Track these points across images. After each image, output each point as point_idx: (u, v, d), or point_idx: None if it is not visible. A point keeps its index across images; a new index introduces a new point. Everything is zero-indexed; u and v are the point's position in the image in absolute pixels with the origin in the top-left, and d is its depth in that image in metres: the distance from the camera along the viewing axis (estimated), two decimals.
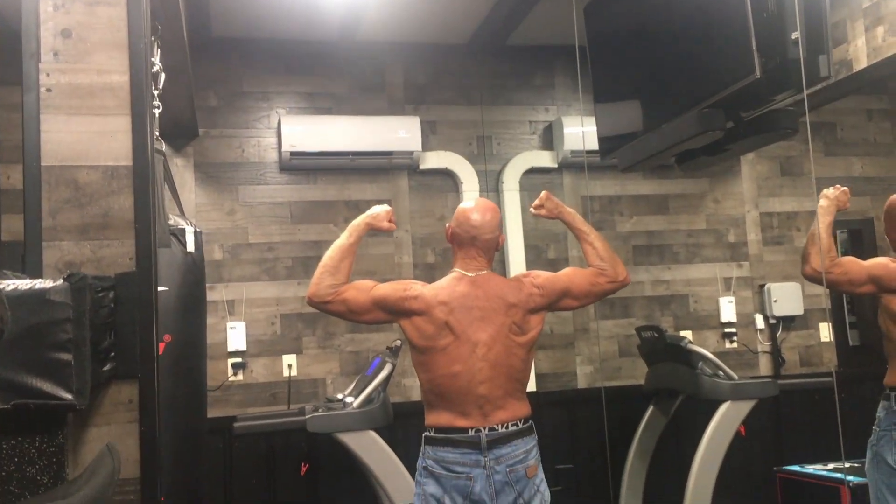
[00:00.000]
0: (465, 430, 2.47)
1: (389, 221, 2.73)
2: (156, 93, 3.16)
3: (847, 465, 3.46)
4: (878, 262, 2.90)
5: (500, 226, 2.67)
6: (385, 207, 2.75)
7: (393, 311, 2.56)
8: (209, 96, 4.71)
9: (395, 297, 2.55)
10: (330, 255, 2.63)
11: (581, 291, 2.67)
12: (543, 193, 2.86)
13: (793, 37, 2.54)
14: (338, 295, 2.56)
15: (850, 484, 3.26)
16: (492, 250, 2.65)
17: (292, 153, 4.61)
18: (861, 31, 3.79)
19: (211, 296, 4.49)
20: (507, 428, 2.49)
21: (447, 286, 2.58)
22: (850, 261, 2.91)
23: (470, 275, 2.59)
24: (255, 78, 4.80)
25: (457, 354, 2.50)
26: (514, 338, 2.55)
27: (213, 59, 4.70)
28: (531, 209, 2.88)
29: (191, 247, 3.25)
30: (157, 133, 3.24)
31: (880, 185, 5.47)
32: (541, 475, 2.56)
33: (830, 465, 3.65)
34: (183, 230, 3.27)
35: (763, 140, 3.16)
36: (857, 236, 5.38)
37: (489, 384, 2.50)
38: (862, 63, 3.80)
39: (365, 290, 2.58)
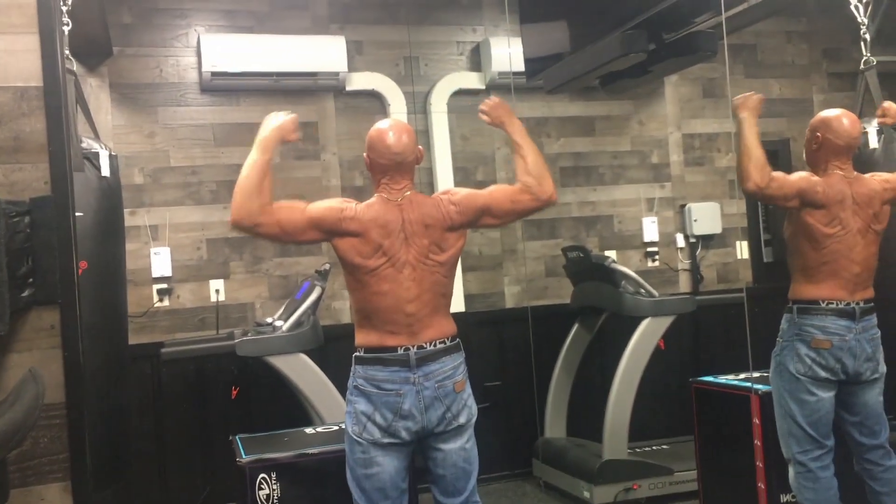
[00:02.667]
0: (394, 349, 2.52)
1: (294, 132, 2.63)
2: (64, 9, 3.01)
3: (756, 374, 3.65)
4: (802, 176, 3.00)
5: (416, 142, 2.66)
6: (290, 115, 2.61)
7: (329, 232, 2.53)
8: (122, 12, 4.50)
9: (333, 217, 2.52)
10: (247, 175, 2.48)
11: (501, 209, 2.68)
12: (495, 98, 2.79)
13: None
14: (269, 216, 2.46)
15: (759, 392, 3.45)
16: (413, 170, 2.66)
17: (213, 73, 4.47)
18: None
19: (132, 221, 4.39)
20: (435, 346, 2.55)
21: (379, 209, 2.57)
22: (781, 175, 2.99)
23: (396, 200, 2.59)
24: None
25: (386, 275, 2.53)
26: (434, 257, 2.58)
27: None
28: (480, 110, 2.82)
29: (106, 171, 3.16)
30: (68, 52, 3.10)
31: (797, 106, 5.64)
32: (468, 390, 2.64)
33: (742, 375, 3.84)
34: (97, 154, 3.17)
35: (684, 62, 3.21)
36: (773, 156, 5.53)
37: (416, 303, 2.54)
38: None
39: (298, 209, 2.52)
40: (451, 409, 2.56)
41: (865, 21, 3.63)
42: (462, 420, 2.58)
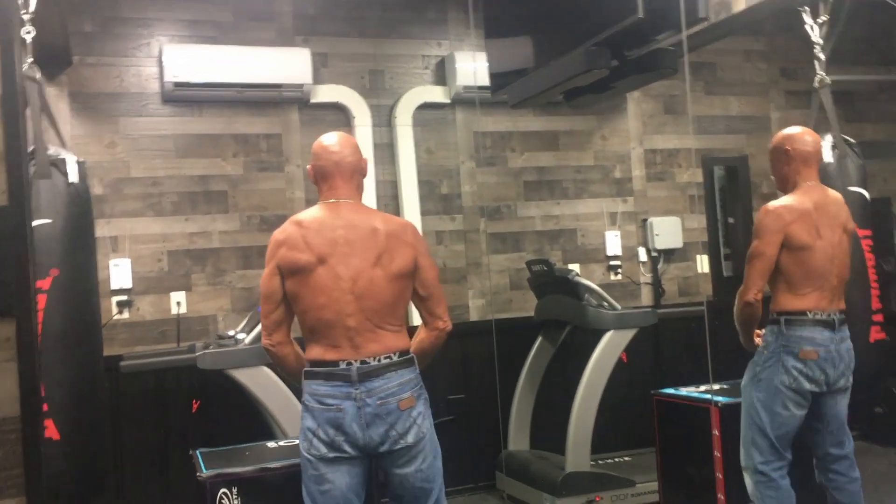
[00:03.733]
0: (336, 363, 2.46)
1: None
2: (27, 16, 2.97)
3: (716, 386, 3.70)
4: (755, 254, 3.04)
5: (358, 151, 2.66)
6: None
7: (290, 273, 2.51)
8: (83, 21, 4.45)
9: (269, 274, 2.55)
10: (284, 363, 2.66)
11: (419, 294, 2.64)
12: None
13: None
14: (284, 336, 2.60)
15: (719, 404, 3.50)
16: (357, 176, 2.62)
17: (176, 84, 4.43)
18: None
19: None
20: (379, 361, 2.47)
21: (317, 216, 2.55)
22: (753, 275, 3.04)
23: (337, 208, 2.55)
24: (133, 3, 4.55)
25: (323, 286, 2.46)
26: (379, 270, 2.50)
27: None
28: None
29: (74, 177, 3.12)
30: (32, 59, 3.06)
31: (756, 123, 5.75)
32: (420, 408, 2.52)
33: (702, 387, 3.89)
34: (64, 160, 3.13)
35: (646, 78, 3.25)
36: (733, 172, 5.66)
37: (357, 316, 2.47)
38: (741, 4, 3.93)
39: (274, 302, 2.57)
40: (396, 427, 2.47)
41: (820, 41, 3.73)
42: (410, 440, 2.49)
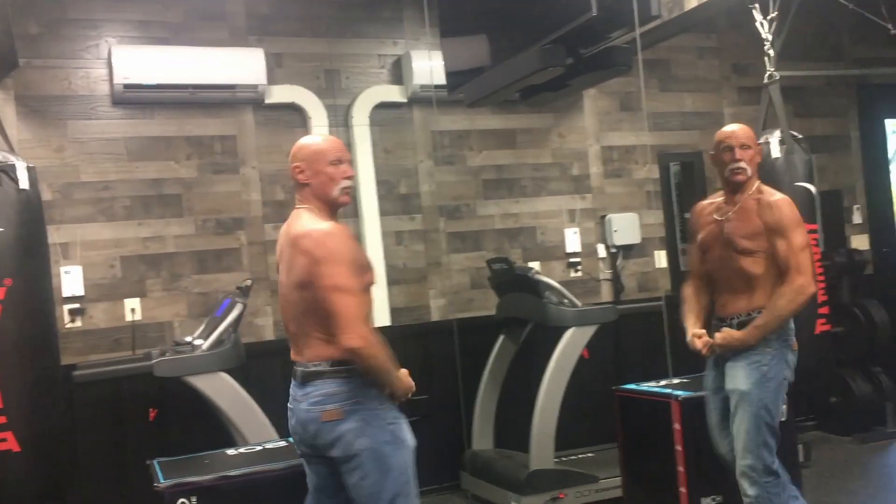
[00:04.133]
0: (293, 363, 2.57)
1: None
2: None
3: (676, 381, 3.74)
4: (807, 245, 3.06)
5: (293, 156, 2.62)
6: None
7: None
8: (29, 23, 4.34)
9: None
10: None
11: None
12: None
13: None
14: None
15: (679, 398, 3.53)
16: (298, 183, 2.59)
17: (126, 86, 4.34)
18: None
19: None
20: (314, 366, 2.48)
21: None
22: (811, 266, 3.07)
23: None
24: (80, 3, 4.45)
25: (280, 291, 2.64)
26: (287, 280, 2.56)
27: None
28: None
29: (24, 183, 3.05)
30: None
31: (709, 119, 5.82)
32: (352, 425, 2.43)
33: (663, 382, 3.92)
34: (13, 166, 3.05)
35: (601, 76, 3.27)
36: (688, 168, 5.72)
37: (292, 323, 2.58)
38: (693, 2, 3.98)
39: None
40: (319, 437, 2.46)
41: (770, 38, 3.79)
42: (336, 453, 2.45)
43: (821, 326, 3.52)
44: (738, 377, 3.04)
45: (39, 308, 3.11)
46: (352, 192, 2.63)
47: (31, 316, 3.01)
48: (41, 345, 3.07)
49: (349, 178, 2.59)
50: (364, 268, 2.53)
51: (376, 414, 2.48)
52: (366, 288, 2.51)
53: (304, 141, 2.66)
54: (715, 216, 3.18)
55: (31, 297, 3.02)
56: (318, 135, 2.70)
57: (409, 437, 2.54)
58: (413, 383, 2.59)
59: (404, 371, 2.58)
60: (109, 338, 4.40)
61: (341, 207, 2.62)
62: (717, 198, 3.26)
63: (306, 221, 2.51)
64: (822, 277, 3.62)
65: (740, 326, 3.05)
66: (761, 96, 3.88)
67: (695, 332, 3.16)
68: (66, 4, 4.42)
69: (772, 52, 3.79)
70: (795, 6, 4.20)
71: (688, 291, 3.27)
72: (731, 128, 3.21)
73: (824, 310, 3.57)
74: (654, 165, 5.67)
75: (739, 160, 3.09)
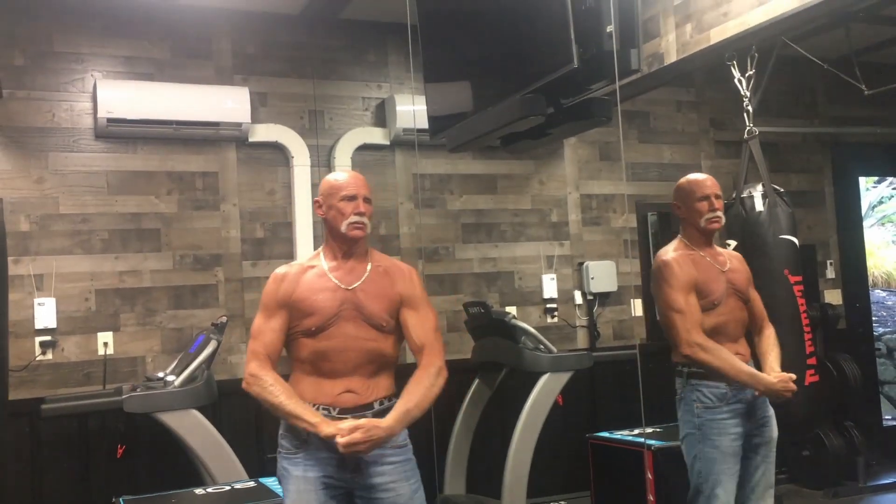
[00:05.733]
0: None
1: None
2: None
3: (649, 430, 3.75)
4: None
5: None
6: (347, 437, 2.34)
7: None
8: (14, 55, 4.35)
9: None
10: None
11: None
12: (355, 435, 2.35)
13: (608, 30, 2.69)
14: None
15: (652, 447, 3.54)
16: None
17: (109, 120, 4.35)
18: (672, 27, 4.05)
19: (16, 270, 4.19)
20: None
21: None
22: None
23: None
24: (67, 37, 4.47)
25: None
26: None
27: (18, 15, 4.35)
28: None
29: None
30: None
31: (687, 171, 5.74)
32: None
33: (636, 431, 3.93)
34: None
35: (581, 126, 3.32)
36: (665, 219, 5.79)
37: None
38: (672, 57, 4.07)
39: None
40: None
41: (748, 94, 3.87)
42: None
43: (810, 377, 3.54)
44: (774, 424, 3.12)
45: None
46: (368, 229, 2.57)
47: None
48: None
49: (360, 213, 2.54)
50: (303, 313, 2.50)
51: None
52: (307, 332, 2.49)
53: (328, 176, 2.69)
54: (715, 266, 3.16)
55: None
56: (344, 171, 2.68)
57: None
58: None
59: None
60: (80, 371, 4.34)
61: (352, 243, 2.57)
62: (681, 248, 3.23)
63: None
64: (807, 329, 3.64)
65: None
66: (742, 151, 3.95)
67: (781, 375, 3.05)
68: (52, 38, 4.44)
69: (751, 108, 3.87)
70: (772, 64, 4.31)
71: (717, 347, 3.02)
72: (701, 177, 3.30)
73: (812, 360, 3.59)
74: (631, 214, 5.74)
75: (717, 210, 3.16)
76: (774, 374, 3.03)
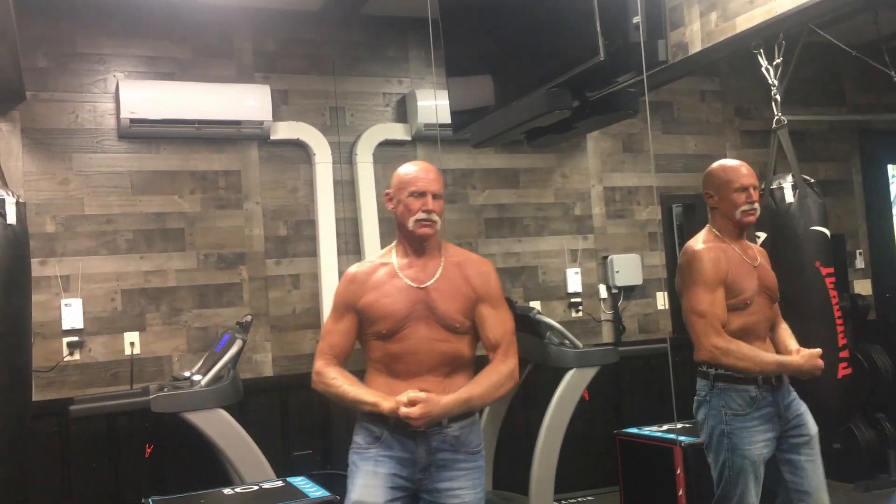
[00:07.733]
0: None
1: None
2: None
3: (679, 425, 3.70)
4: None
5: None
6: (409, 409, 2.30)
7: None
8: (38, 57, 4.37)
9: None
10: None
11: None
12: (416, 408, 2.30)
13: (634, 21, 2.64)
14: None
15: (682, 443, 3.49)
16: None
17: (132, 120, 4.36)
18: (696, 16, 3.99)
19: (42, 271, 4.21)
20: None
21: None
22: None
23: None
24: (89, 38, 4.49)
25: None
26: None
27: (41, 17, 4.36)
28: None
29: (11, 218, 3.03)
30: None
31: (711, 161, 5.75)
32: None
33: (665, 427, 3.88)
34: (3, 200, 3.04)
35: (607, 119, 3.28)
36: (690, 210, 5.73)
37: None
38: (697, 46, 4.00)
39: None
40: None
41: (776, 83, 3.80)
42: None
43: (843, 370, 3.47)
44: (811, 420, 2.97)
45: (15, 345, 3.05)
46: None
47: (4, 353, 2.96)
48: (13, 383, 3.01)
49: (428, 210, 2.42)
50: (373, 317, 2.47)
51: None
52: (378, 335, 2.45)
53: (400, 168, 2.54)
54: (746, 261, 3.00)
55: (6, 333, 2.98)
56: (418, 162, 2.54)
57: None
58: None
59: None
60: (107, 371, 4.36)
61: (421, 240, 2.46)
62: (711, 240, 3.08)
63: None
64: (840, 321, 3.56)
65: None
66: (770, 140, 3.88)
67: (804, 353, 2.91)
68: (75, 39, 4.46)
69: (779, 97, 3.80)
70: (798, 52, 4.23)
71: (737, 346, 2.87)
72: (735, 163, 3.08)
73: (845, 353, 3.52)
74: (656, 207, 5.68)
75: (755, 202, 3.00)
76: (798, 354, 2.90)
